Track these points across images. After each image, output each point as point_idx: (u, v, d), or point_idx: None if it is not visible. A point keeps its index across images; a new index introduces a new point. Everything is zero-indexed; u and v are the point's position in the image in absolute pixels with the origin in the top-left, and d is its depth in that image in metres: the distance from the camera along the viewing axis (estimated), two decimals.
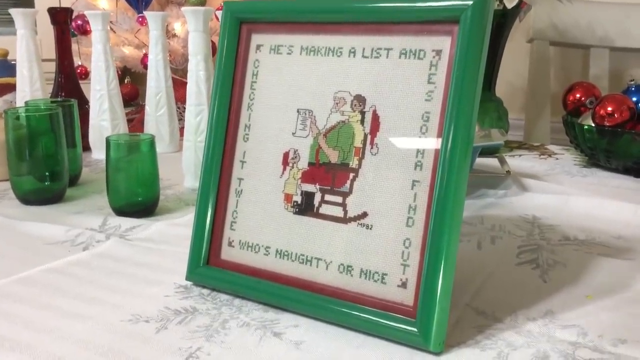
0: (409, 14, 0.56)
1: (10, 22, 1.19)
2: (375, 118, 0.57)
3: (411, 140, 0.55)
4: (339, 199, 0.58)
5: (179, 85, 1.27)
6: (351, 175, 0.57)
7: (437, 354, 0.51)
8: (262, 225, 0.62)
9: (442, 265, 0.51)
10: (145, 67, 1.35)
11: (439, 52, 0.54)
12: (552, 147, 1.27)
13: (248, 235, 0.62)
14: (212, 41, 1.09)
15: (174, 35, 1.63)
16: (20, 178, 0.90)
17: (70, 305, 0.59)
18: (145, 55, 1.53)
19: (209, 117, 0.65)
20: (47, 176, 0.90)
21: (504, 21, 1.19)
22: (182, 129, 1.16)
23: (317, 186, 0.59)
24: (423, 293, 0.52)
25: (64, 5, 1.68)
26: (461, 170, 0.52)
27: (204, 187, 0.64)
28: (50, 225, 0.80)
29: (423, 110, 0.54)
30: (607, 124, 1.03)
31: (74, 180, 0.98)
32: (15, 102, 1.22)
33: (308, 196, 0.60)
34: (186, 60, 0.98)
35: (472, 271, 0.67)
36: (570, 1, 1.39)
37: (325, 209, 0.58)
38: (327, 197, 0.59)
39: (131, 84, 1.77)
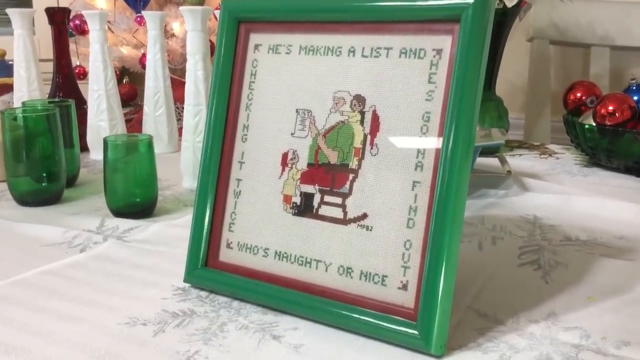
0: (409, 13, 0.55)
1: (7, 22, 1.18)
2: (375, 118, 0.56)
3: (411, 141, 0.54)
4: (338, 200, 0.57)
5: (177, 85, 1.26)
6: (351, 176, 0.57)
7: (439, 357, 0.50)
8: (261, 226, 0.61)
9: (444, 267, 0.50)
10: (144, 67, 1.35)
11: (439, 52, 0.54)
12: (553, 147, 1.27)
13: (246, 236, 0.62)
14: (210, 41, 1.08)
15: (173, 35, 1.63)
16: (17, 179, 0.89)
17: (66, 308, 0.59)
18: (144, 55, 1.53)
19: (207, 117, 0.64)
20: (45, 177, 0.89)
21: (504, 20, 1.19)
22: (180, 129, 1.15)
23: (317, 187, 0.59)
24: (424, 295, 0.51)
25: (61, 5, 1.67)
26: (462, 171, 0.51)
27: (202, 188, 0.63)
28: (47, 227, 0.79)
29: (423, 110, 0.54)
30: (608, 123, 1.03)
31: (71, 181, 0.98)
32: (13, 103, 1.22)
33: (307, 197, 0.59)
34: (185, 60, 0.97)
35: (473, 272, 0.66)
36: (570, 0, 1.38)
37: (324, 210, 0.58)
38: (327, 198, 0.58)
39: (129, 84, 1.76)
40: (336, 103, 0.58)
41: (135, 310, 0.58)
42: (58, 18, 1.15)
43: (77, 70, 1.52)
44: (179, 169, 0.98)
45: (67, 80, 1.19)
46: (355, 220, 0.56)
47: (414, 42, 0.55)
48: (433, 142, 0.53)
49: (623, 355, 0.51)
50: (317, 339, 0.53)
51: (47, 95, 1.20)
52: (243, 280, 0.60)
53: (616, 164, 1.06)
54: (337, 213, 0.57)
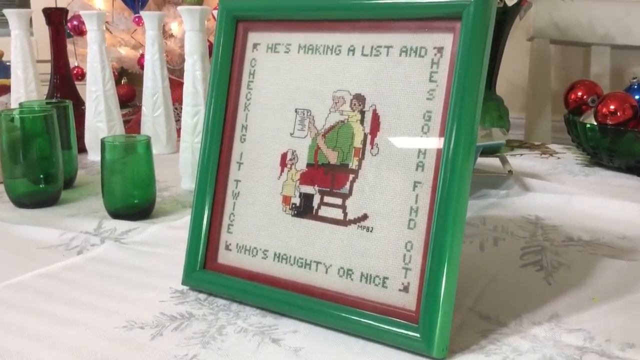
0: (410, 11, 0.54)
1: (5, 22, 1.18)
2: (375, 118, 0.55)
3: (412, 140, 0.53)
4: (338, 201, 0.56)
5: (176, 86, 1.25)
6: (351, 176, 0.56)
7: None
8: (260, 228, 0.60)
9: (445, 269, 0.50)
10: (142, 67, 1.34)
11: (440, 50, 0.53)
12: (554, 146, 1.26)
13: (245, 238, 0.61)
14: (209, 41, 1.07)
15: (171, 36, 1.62)
16: (14, 181, 0.88)
17: (63, 311, 0.58)
18: (142, 56, 1.52)
19: (205, 117, 0.63)
20: (42, 179, 0.89)
21: (504, 19, 1.18)
22: (179, 130, 1.15)
23: (316, 188, 0.58)
24: (425, 297, 0.50)
25: (59, 5, 1.66)
26: (464, 171, 0.50)
27: (200, 189, 0.63)
28: (44, 229, 0.78)
29: (424, 109, 0.53)
30: (609, 122, 1.02)
31: (69, 183, 0.97)
32: (10, 104, 1.21)
33: (307, 198, 0.58)
34: (183, 61, 0.96)
35: (475, 274, 0.65)
36: None
37: (324, 211, 0.57)
38: (327, 199, 0.57)
39: (128, 84, 1.75)
40: (336, 102, 0.58)
41: (133, 313, 0.57)
42: (56, 18, 1.14)
43: (75, 71, 1.51)
44: (178, 170, 0.97)
45: (64, 81, 1.18)
46: (355, 221, 0.55)
47: (414, 40, 0.54)
48: (434, 142, 0.52)
49: (628, 358, 0.50)
50: (317, 342, 0.53)
51: (45, 96, 1.20)
52: (242, 282, 0.59)
53: (618, 164, 1.05)
54: (337, 214, 0.56)
